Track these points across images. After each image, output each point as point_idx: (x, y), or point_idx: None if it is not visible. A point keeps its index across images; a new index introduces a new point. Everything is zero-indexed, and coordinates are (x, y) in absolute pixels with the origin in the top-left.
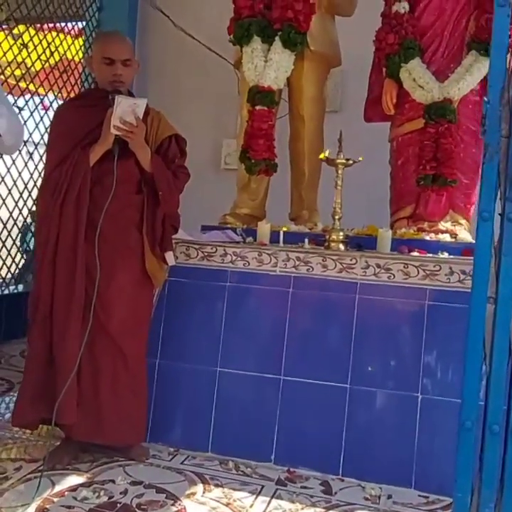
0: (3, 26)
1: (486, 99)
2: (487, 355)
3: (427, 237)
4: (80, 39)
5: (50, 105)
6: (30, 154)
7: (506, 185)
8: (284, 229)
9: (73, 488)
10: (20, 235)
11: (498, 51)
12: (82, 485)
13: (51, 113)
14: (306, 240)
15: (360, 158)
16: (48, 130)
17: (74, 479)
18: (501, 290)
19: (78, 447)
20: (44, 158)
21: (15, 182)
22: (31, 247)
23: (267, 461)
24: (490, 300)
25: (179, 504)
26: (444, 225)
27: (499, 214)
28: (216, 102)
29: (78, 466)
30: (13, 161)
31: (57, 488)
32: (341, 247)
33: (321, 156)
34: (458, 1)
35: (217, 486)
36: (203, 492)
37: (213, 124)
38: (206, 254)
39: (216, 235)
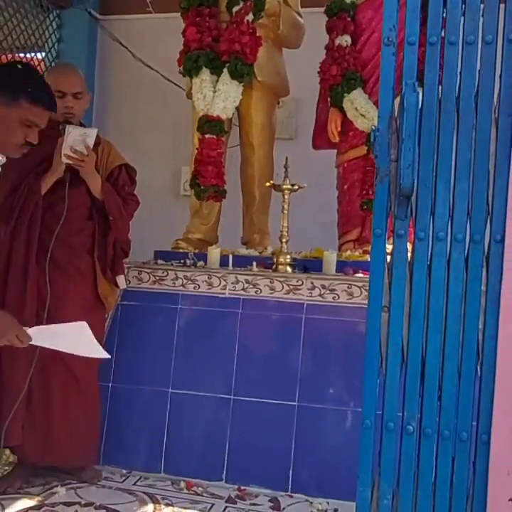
0: None
1: (373, 127)
2: (383, 358)
3: None
4: (39, 70)
5: None
6: None
7: (395, 205)
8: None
9: None
10: None
11: (385, 86)
12: (32, 508)
13: None
14: (254, 263)
15: (304, 185)
16: None
17: (25, 503)
18: (393, 299)
19: (30, 471)
20: None
21: None
22: None
23: (218, 480)
24: (384, 309)
25: None
26: (388, 247)
27: (390, 231)
28: (174, 130)
29: (29, 490)
30: None
31: None
32: (288, 269)
33: (268, 183)
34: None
35: (167, 505)
36: (154, 511)
37: (172, 152)
38: (158, 278)
39: None
